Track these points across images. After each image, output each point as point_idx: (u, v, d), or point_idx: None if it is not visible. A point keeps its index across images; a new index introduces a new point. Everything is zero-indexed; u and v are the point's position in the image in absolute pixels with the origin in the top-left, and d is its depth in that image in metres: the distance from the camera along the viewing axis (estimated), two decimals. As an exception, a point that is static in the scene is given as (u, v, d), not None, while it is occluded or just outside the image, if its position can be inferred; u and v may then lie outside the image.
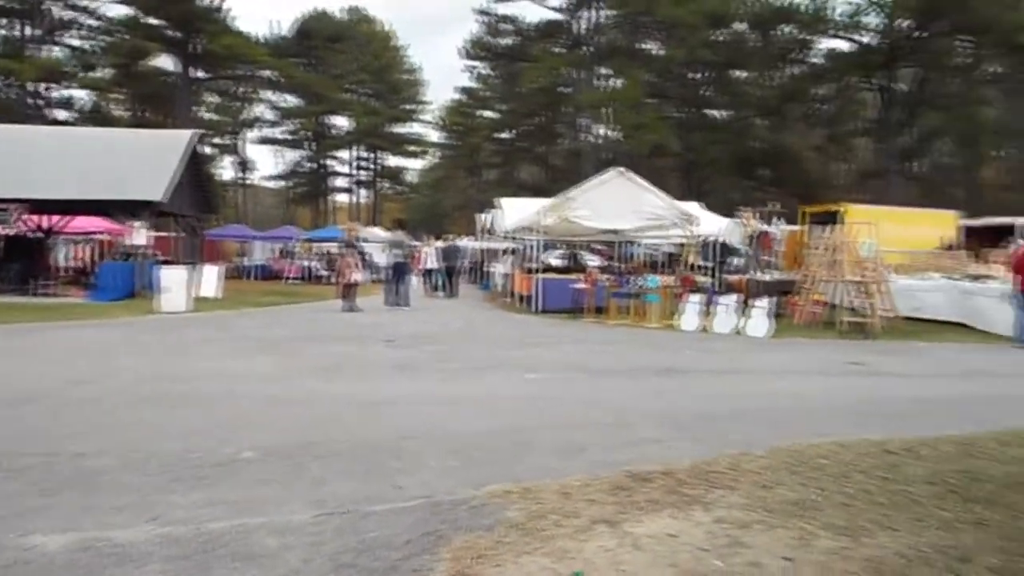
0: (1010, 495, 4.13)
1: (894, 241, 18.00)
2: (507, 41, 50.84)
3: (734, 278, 17.56)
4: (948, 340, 11.66)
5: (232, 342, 10.33)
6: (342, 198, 69.31)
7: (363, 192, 68.05)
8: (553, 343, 10.60)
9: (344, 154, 62.68)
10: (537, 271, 16.73)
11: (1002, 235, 22.25)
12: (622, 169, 16.48)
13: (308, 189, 61.51)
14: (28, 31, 39.55)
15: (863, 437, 5.51)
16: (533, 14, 48.55)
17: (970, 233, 23.49)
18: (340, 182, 64.96)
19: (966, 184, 50.66)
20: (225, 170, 59.19)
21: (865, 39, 40.30)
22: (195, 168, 21.31)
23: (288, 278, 28.50)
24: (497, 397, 6.79)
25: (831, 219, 20.67)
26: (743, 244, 15.40)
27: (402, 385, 7.28)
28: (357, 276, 15.62)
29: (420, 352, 9.42)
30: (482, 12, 48.92)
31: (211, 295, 18.56)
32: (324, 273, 28.65)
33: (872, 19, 39.58)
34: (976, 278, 13.70)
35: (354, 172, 63.85)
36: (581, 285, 14.58)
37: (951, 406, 6.81)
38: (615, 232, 18.19)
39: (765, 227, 15.04)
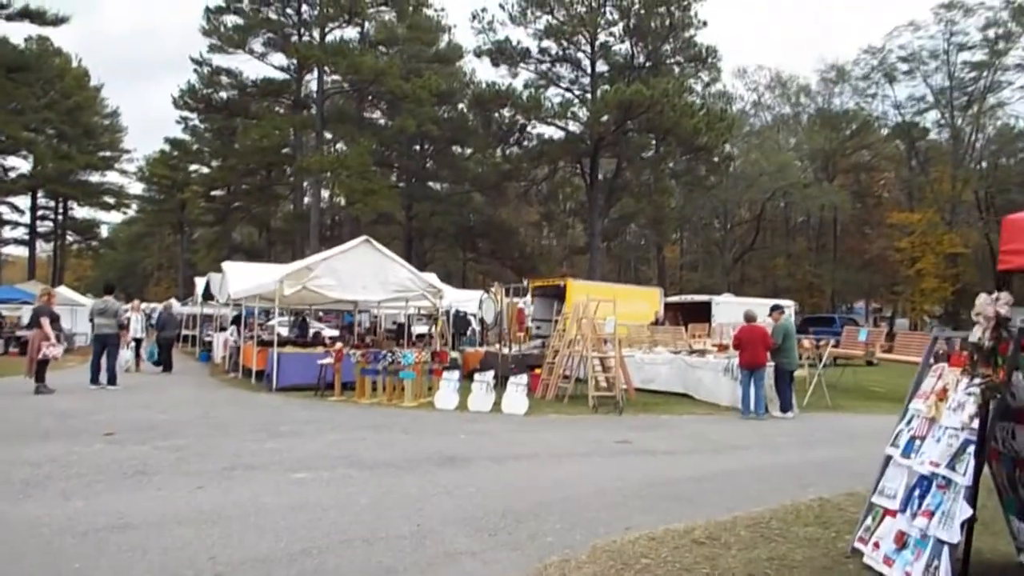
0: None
1: (608, 316, 19.51)
2: (225, 95, 48.11)
3: (470, 350, 17.66)
4: (684, 412, 12.53)
5: None
6: (14, 251, 59.83)
7: (42, 245, 59.34)
8: (310, 431, 9.49)
9: (19, 201, 54.25)
10: (272, 343, 15.32)
11: (699, 311, 25.29)
12: (367, 238, 15.86)
13: (-29, 239, 52.05)
14: None
15: (666, 527, 5.47)
16: (255, 70, 46.76)
17: (670, 308, 26.38)
18: (14, 232, 55.94)
19: (654, 263, 57.65)
20: None
21: (573, 128, 44.41)
22: None
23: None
24: (267, 509, 5.70)
25: (555, 292, 21.96)
26: (493, 318, 15.53)
27: (138, 500, 5.85)
28: (53, 350, 12.99)
29: (153, 449, 7.82)
30: (199, 62, 45.91)
31: None
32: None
33: (580, 110, 43.84)
34: (694, 352, 15.08)
35: (32, 222, 55.40)
36: (327, 360, 13.54)
37: (720, 483, 7.10)
38: (357, 302, 17.43)
39: (518, 301, 15.28)
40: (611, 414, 12.02)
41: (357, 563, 4.56)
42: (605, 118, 41.25)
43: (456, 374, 12.62)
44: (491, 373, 12.53)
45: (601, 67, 45.01)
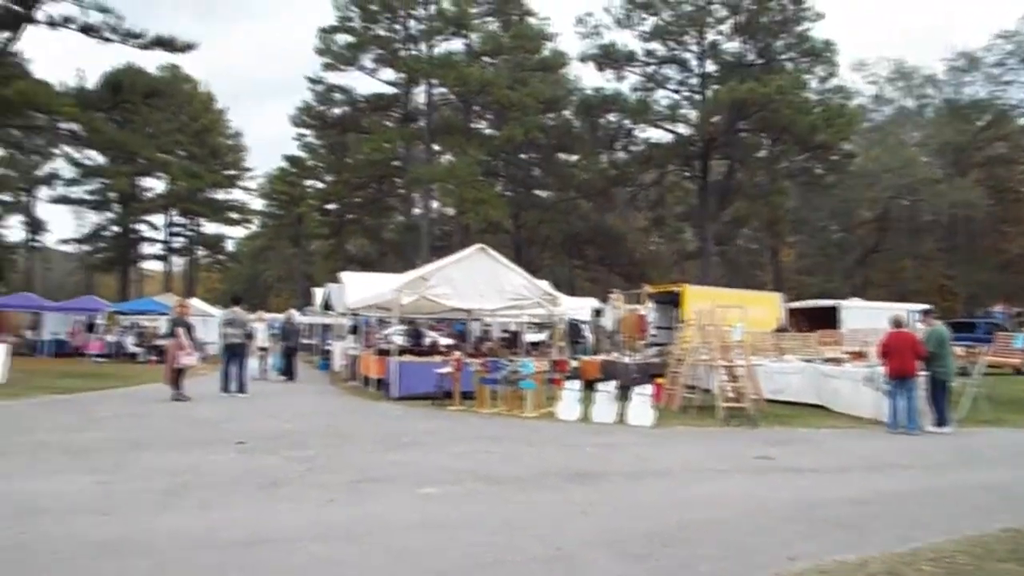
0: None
1: (735, 323, 18.62)
2: (339, 111, 49.80)
3: (586, 359, 17.20)
4: (822, 425, 11.66)
5: (30, 451, 8.14)
6: (151, 266, 63.94)
7: (176, 260, 63.12)
8: (433, 442, 9.34)
9: (156, 219, 57.97)
10: (391, 352, 15.39)
11: (823, 316, 23.88)
12: (482, 246, 15.76)
13: (113, 255, 55.87)
14: None
15: (835, 559, 4.87)
16: (366, 86, 48.19)
17: (793, 314, 25.04)
18: (150, 248, 59.78)
19: (769, 267, 55.38)
20: (11, 231, 52.69)
21: (682, 130, 43.31)
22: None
23: (91, 355, 24.95)
24: (397, 526, 5.48)
25: (671, 299, 21.20)
26: (614, 326, 15.08)
27: (272, 513, 5.76)
28: (189, 359, 13.50)
29: (282, 460, 7.82)
30: (314, 80, 47.73)
31: (-7, 380, 15.49)
32: (136, 350, 25.39)
33: (690, 112, 42.73)
34: (829, 361, 14.09)
35: (167, 238, 59.06)
36: (446, 369, 13.43)
37: (884, 507, 6.38)
38: (472, 311, 17.35)
39: (638, 308, 14.77)
40: (743, 427, 11.31)
41: (500, 590, 4.24)
42: (717, 119, 40.05)
43: (577, 384, 12.23)
44: (614, 383, 12.05)
45: (710, 67, 43.75)
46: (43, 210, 59.96)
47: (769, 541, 5.29)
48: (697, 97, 42.98)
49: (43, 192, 54.84)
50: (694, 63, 43.64)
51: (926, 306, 21.85)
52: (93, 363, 23.70)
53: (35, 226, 55.17)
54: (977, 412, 12.15)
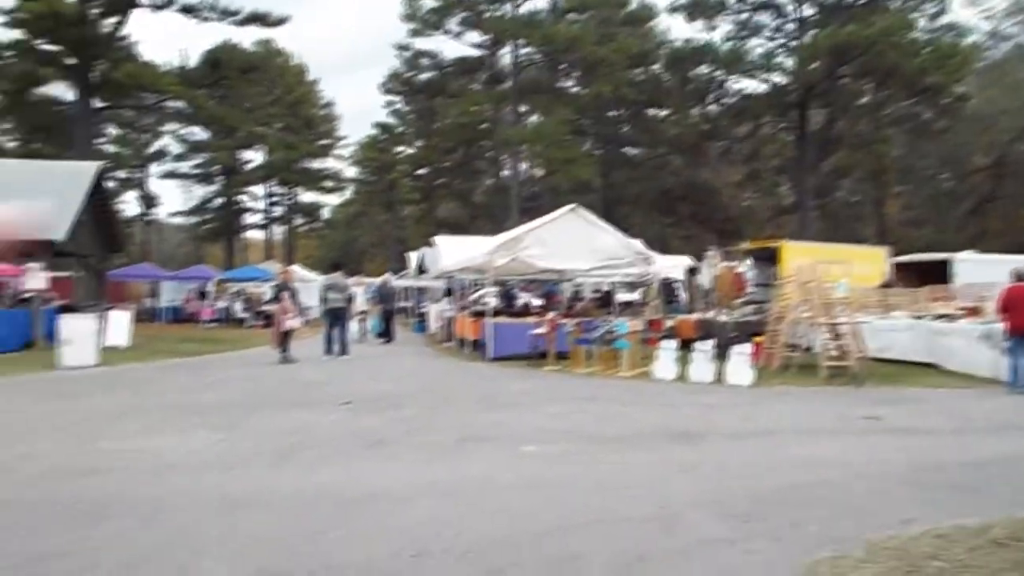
0: None
1: (838, 279, 17.89)
2: (426, 76, 50.13)
3: (682, 318, 16.93)
4: (933, 384, 11.17)
5: (155, 410, 8.73)
6: (253, 235, 66.65)
7: (276, 229, 65.58)
8: (530, 401, 9.46)
9: (256, 189, 60.27)
10: (486, 314, 15.61)
11: (934, 271, 22.64)
12: (574, 206, 15.66)
13: (218, 225, 58.58)
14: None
15: (954, 523, 4.67)
16: (452, 50, 48.24)
17: (900, 268, 23.84)
18: (252, 218, 62.37)
19: (872, 220, 52.80)
20: (128, 206, 55.89)
21: (778, 79, 41.46)
22: (99, 203, 19.32)
23: (204, 321, 26.38)
24: (501, 484, 5.60)
25: (768, 255, 20.53)
26: (710, 284, 14.80)
27: (380, 470, 5.99)
28: (294, 322, 14.12)
29: (385, 419, 8.10)
30: (400, 47, 48.14)
31: (120, 344, 16.60)
32: (243, 316, 26.67)
33: (785, 60, 40.81)
34: (942, 317, 13.41)
35: (267, 208, 61.39)
36: (541, 330, 13.53)
37: (1006, 471, 6.07)
38: (565, 271, 17.34)
39: (735, 265, 14.43)
40: (848, 386, 10.94)
41: (604, 548, 4.28)
42: (816, 65, 38.07)
43: (673, 343, 12.10)
44: (711, 342, 11.86)
45: (808, 11, 41.51)
46: (154, 185, 63.24)
47: (881, 503, 5.14)
48: (794, 44, 40.95)
49: (154, 168, 57.85)
50: (790, 8, 41.52)
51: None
52: (204, 328, 25.06)
53: (148, 200, 58.28)
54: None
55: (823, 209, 50.86)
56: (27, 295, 16.75)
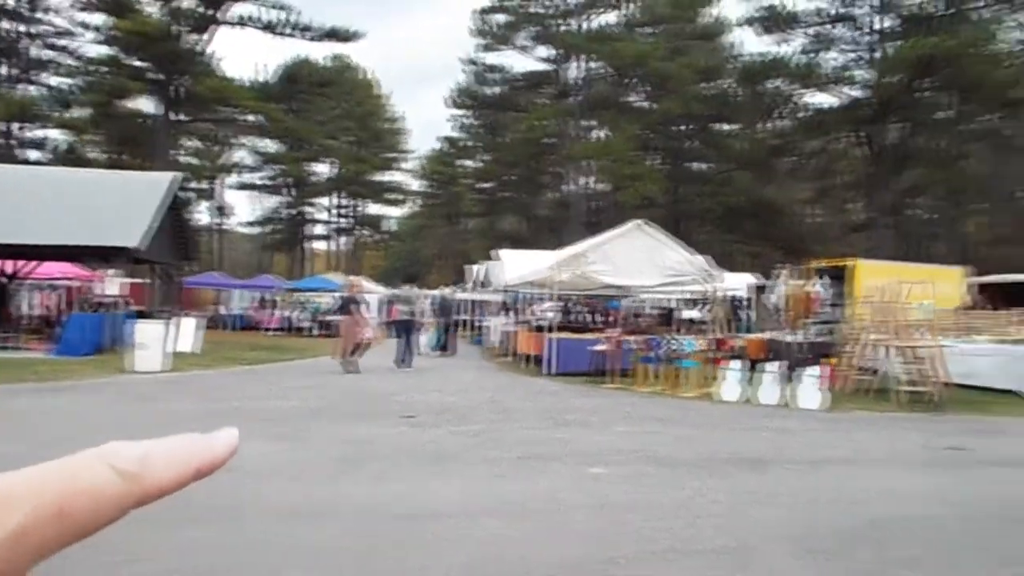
0: None
1: (913, 300, 17.17)
2: (493, 90, 50.50)
3: (750, 337, 16.43)
4: (1020, 414, 10.54)
5: (223, 417, 8.85)
6: (318, 245, 68.07)
7: (341, 239, 66.86)
8: (595, 420, 9.28)
9: (323, 200, 61.59)
10: (549, 329, 15.46)
11: (1018, 293, 21.54)
12: (640, 221, 15.44)
13: (285, 236, 60.03)
14: (3, 70, 38.19)
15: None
16: (520, 64, 48.45)
17: (982, 290, 22.78)
18: (318, 229, 63.72)
19: (949, 238, 50.71)
20: (201, 215, 57.76)
21: (854, 93, 40.36)
22: (174, 213, 19.92)
23: (268, 329, 26.96)
24: (569, 505, 5.45)
25: (840, 274, 19.83)
26: (780, 302, 14.36)
27: (444, 487, 5.90)
28: (368, 333, 14.28)
29: (449, 433, 8.04)
30: (469, 61, 48.65)
31: (189, 350, 17.04)
32: (306, 325, 27.15)
33: (861, 73, 39.70)
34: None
35: (334, 219, 62.69)
36: (604, 347, 13.32)
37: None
38: (629, 288, 17.09)
39: (807, 284, 13.97)
40: (926, 413, 10.42)
41: (679, 580, 4.10)
42: (895, 78, 36.89)
43: (740, 363, 11.74)
44: (780, 363, 11.45)
45: (887, 22, 40.31)
46: (227, 195, 65.24)
47: (977, 543, 4.81)
48: (872, 56, 39.81)
49: (228, 179, 59.69)
50: (868, 19, 40.40)
51: None
52: (270, 336, 25.58)
53: (222, 210, 60.14)
54: None
55: (897, 227, 49.09)
56: (104, 300, 17.33)
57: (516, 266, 19.01)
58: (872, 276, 15.97)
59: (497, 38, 45.15)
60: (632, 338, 13.29)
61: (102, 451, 0.33)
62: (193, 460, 0.37)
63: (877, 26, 40.06)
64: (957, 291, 21.30)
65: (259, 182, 59.59)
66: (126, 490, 0.32)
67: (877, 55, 39.03)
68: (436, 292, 26.70)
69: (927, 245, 56.59)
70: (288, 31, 35.71)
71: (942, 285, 20.99)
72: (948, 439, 8.28)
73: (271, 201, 60.88)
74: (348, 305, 14.51)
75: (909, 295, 11.87)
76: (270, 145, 54.17)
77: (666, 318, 20.15)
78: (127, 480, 0.32)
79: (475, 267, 28.61)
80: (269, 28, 35.74)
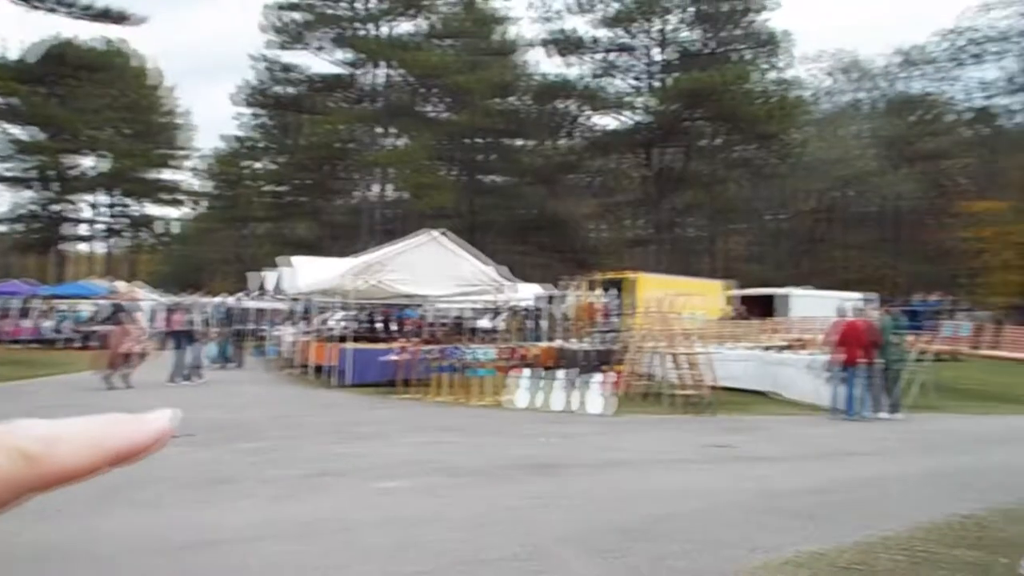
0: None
1: (685, 311, 18.77)
2: (287, 90, 48.56)
3: (541, 346, 17.04)
4: (776, 413, 11.81)
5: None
6: (81, 247, 61.43)
7: (111, 241, 60.89)
8: (386, 433, 9.09)
9: (88, 198, 55.66)
10: (342, 339, 15.02)
11: (769, 304, 24.27)
12: (436, 232, 15.48)
13: (39, 236, 53.22)
14: None
15: (798, 550, 4.84)
16: (317, 66, 46.95)
17: (742, 301, 25.39)
18: (81, 229, 57.36)
19: (712, 254, 56.22)
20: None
21: (636, 118, 43.51)
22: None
23: (16, 341, 23.78)
24: (358, 523, 5.26)
25: (621, 286, 21.23)
26: (568, 313, 15.00)
27: (228, 510, 5.48)
28: (138, 346, 12.94)
29: (232, 453, 7.50)
30: (261, 58, 46.39)
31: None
32: (71, 336, 24.29)
33: (642, 99, 42.90)
34: (784, 349, 14.27)
35: (101, 219, 56.88)
36: (397, 357, 13.15)
37: (846, 496, 6.42)
38: (424, 297, 17.06)
39: (594, 296, 14.71)
40: (701, 415, 11.35)
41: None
42: (671, 107, 40.29)
43: (530, 372, 12.10)
44: (569, 371, 11.96)
45: (664, 56, 43.95)
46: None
47: (738, 535, 5.23)
48: (652, 84, 43.19)
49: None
50: (651, 51, 43.79)
51: (871, 295, 22.43)
52: (22, 349, 22.59)
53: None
54: (924, 398, 12.45)
55: (672, 243, 53.57)
56: None
57: (309, 273, 18.30)
58: (651, 288, 17.21)
59: (292, 36, 43.52)
60: (430, 347, 13.26)
61: (11, 427, 0.29)
62: (111, 443, 0.32)
63: (657, 58, 43.49)
64: (717, 302, 23.60)
65: (8, 174, 52.60)
66: (22, 473, 0.28)
67: (656, 84, 42.34)
68: (220, 299, 25.04)
69: (695, 260, 62.32)
70: (50, 5, 31.89)
71: (709, 297, 23.23)
72: (715, 438, 9.05)
73: (24, 196, 53.98)
74: (117, 313, 13.14)
75: (682, 306, 12.88)
76: (15, 132, 48.01)
77: (457, 327, 20.37)
78: (26, 461, 0.28)
79: (263, 273, 27.20)
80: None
